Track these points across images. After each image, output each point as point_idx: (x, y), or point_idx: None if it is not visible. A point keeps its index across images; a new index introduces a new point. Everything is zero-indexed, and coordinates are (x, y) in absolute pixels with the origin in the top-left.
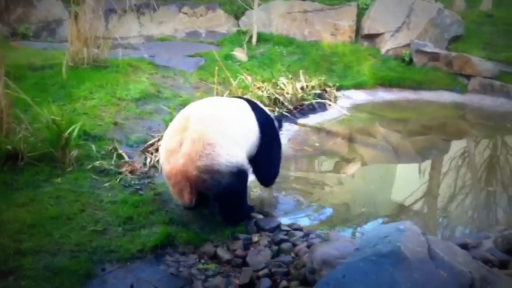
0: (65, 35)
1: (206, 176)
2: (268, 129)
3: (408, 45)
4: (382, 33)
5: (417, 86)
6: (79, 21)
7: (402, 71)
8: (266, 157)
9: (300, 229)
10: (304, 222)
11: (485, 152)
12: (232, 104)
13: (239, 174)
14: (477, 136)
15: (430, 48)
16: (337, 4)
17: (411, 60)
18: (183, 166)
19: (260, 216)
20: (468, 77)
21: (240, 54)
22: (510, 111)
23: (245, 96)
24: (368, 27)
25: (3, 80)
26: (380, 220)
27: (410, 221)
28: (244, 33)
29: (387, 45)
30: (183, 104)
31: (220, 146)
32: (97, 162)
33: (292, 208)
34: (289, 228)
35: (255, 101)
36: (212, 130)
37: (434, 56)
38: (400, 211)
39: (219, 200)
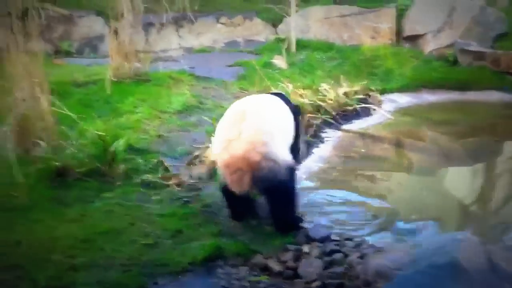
0: (107, 51)
1: (266, 163)
2: (298, 122)
3: (451, 45)
4: (424, 34)
5: (463, 86)
6: (119, 36)
7: (446, 72)
8: (296, 150)
9: (351, 238)
10: (355, 231)
11: None
12: (274, 100)
13: (292, 172)
14: None
15: (474, 47)
16: (375, 6)
17: (455, 61)
18: (246, 152)
19: (309, 226)
20: None
21: (279, 61)
22: None
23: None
24: (409, 28)
25: (48, 98)
26: (434, 229)
27: (467, 229)
28: (283, 40)
29: (429, 46)
30: None
31: (277, 138)
32: (144, 176)
33: (341, 216)
34: (339, 238)
35: (283, 93)
36: (268, 122)
37: (479, 55)
38: (455, 217)
39: (272, 198)
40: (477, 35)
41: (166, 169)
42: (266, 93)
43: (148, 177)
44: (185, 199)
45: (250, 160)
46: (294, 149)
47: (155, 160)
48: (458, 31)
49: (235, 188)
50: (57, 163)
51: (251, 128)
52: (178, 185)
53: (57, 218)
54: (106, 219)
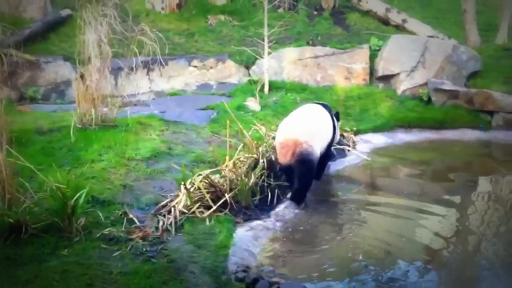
0: (73, 96)
1: (305, 146)
2: (336, 125)
3: (425, 84)
4: (397, 74)
5: (438, 125)
6: (86, 81)
7: (421, 111)
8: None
9: None
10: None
11: None
12: (319, 109)
13: (315, 161)
14: (506, 174)
15: (448, 86)
16: (348, 47)
17: (429, 99)
18: (296, 136)
19: (282, 281)
20: (491, 113)
21: (252, 104)
22: None
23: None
24: (382, 68)
25: (5, 149)
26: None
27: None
28: (256, 82)
29: (403, 85)
30: (196, 161)
31: (314, 136)
32: (106, 230)
33: (312, 266)
34: None
35: (327, 104)
36: (311, 125)
37: (453, 94)
38: (432, 258)
39: (299, 171)
40: (450, 74)
41: (131, 221)
42: (314, 103)
43: (111, 230)
44: (149, 254)
45: (297, 142)
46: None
47: (119, 212)
48: (432, 70)
49: (282, 159)
50: (10, 219)
51: (300, 127)
52: (143, 238)
53: (9, 280)
54: (61, 280)
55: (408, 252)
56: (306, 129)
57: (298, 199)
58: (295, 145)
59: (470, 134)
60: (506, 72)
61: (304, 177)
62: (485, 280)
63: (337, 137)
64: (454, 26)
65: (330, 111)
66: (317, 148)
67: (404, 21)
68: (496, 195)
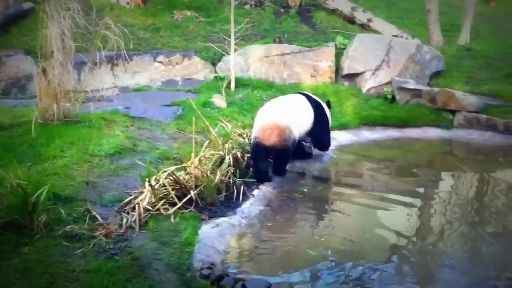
0: (35, 91)
1: (286, 130)
2: (319, 112)
3: (389, 83)
4: (362, 72)
5: (402, 123)
6: (48, 76)
7: (385, 109)
8: (319, 130)
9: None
10: (295, 277)
11: (478, 188)
12: (296, 98)
13: (294, 142)
14: (467, 172)
15: (412, 84)
16: (315, 45)
17: (393, 98)
18: (276, 120)
19: (248, 277)
20: (453, 112)
21: (218, 100)
22: (499, 144)
23: (304, 92)
24: (348, 66)
25: None
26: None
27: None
28: (222, 79)
29: (368, 84)
30: (161, 157)
31: (294, 121)
32: (68, 227)
33: (278, 262)
34: None
35: (310, 94)
36: (287, 112)
37: (416, 93)
38: (393, 255)
39: (279, 153)
40: (414, 73)
41: (93, 218)
42: (295, 94)
43: (73, 228)
44: (113, 252)
45: (278, 125)
46: (314, 132)
47: (82, 209)
48: (396, 70)
49: (266, 141)
50: None
51: (280, 111)
52: (106, 236)
53: None
54: (22, 278)
55: (373, 248)
56: (287, 115)
57: (281, 173)
58: (278, 129)
59: (432, 132)
60: (467, 72)
61: (283, 156)
62: (446, 272)
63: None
64: (418, 26)
65: (311, 101)
66: (296, 132)
67: (369, 20)
68: (458, 191)
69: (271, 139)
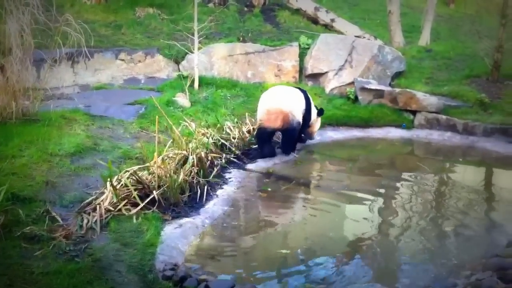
0: None
1: (290, 114)
2: (308, 109)
3: (352, 83)
4: (326, 72)
5: (364, 123)
6: (6, 73)
7: (348, 109)
8: (305, 121)
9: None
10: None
11: (438, 187)
12: (296, 91)
13: (298, 123)
14: (427, 171)
15: (374, 85)
16: (278, 44)
17: (356, 98)
18: (280, 106)
19: (211, 278)
20: (414, 112)
21: (182, 99)
22: (458, 144)
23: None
24: (311, 66)
25: None
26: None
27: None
28: (185, 77)
29: (331, 84)
30: (123, 157)
31: (296, 106)
32: (27, 228)
33: (241, 263)
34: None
35: (305, 90)
36: (290, 100)
37: (378, 93)
38: (356, 253)
39: (286, 133)
40: (376, 74)
41: (53, 219)
42: (291, 87)
43: (32, 229)
44: (73, 253)
45: (282, 110)
46: (306, 117)
47: (41, 210)
48: (359, 70)
49: (271, 124)
50: None
51: (283, 98)
52: (66, 237)
53: None
54: None
55: (336, 246)
56: (289, 100)
57: (288, 151)
58: (282, 113)
59: (394, 132)
60: (428, 73)
61: (290, 137)
62: (406, 270)
63: (313, 116)
64: (379, 27)
65: (304, 93)
66: (300, 117)
67: (332, 20)
68: (418, 190)
69: (277, 123)
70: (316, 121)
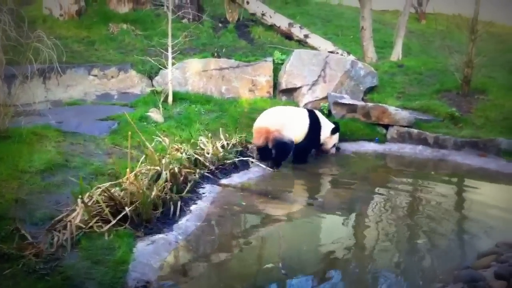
0: None
1: (276, 132)
2: (314, 128)
3: (325, 98)
4: (300, 87)
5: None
6: None
7: None
8: (304, 144)
9: None
10: None
11: (411, 199)
12: (296, 111)
13: (290, 141)
14: (400, 184)
15: (347, 100)
16: (253, 60)
17: (329, 112)
18: (266, 124)
19: None
20: (386, 126)
21: (155, 115)
22: (429, 157)
23: (309, 107)
24: (285, 81)
25: None
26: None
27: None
28: (159, 93)
29: (305, 99)
30: (95, 173)
31: (286, 127)
32: None
33: (215, 279)
34: None
35: (315, 110)
36: (280, 119)
37: (351, 108)
38: (330, 269)
39: (275, 149)
40: (349, 88)
41: (23, 237)
42: (297, 107)
43: (1, 247)
44: (43, 272)
45: (268, 129)
46: (312, 136)
47: (10, 228)
48: (332, 85)
49: (255, 141)
50: None
51: (274, 117)
52: (36, 255)
53: None
54: None
55: (310, 261)
56: (277, 120)
57: (276, 165)
58: (267, 132)
59: (367, 146)
60: (400, 88)
61: (278, 154)
62: (380, 283)
63: (326, 134)
64: (352, 43)
65: (311, 117)
66: (290, 135)
67: (306, 36)
68: (391, 203)
69: (259, 141)
70: (330, 138)
